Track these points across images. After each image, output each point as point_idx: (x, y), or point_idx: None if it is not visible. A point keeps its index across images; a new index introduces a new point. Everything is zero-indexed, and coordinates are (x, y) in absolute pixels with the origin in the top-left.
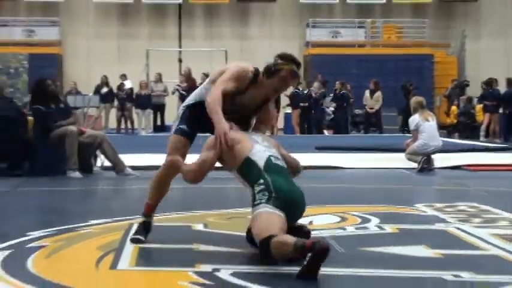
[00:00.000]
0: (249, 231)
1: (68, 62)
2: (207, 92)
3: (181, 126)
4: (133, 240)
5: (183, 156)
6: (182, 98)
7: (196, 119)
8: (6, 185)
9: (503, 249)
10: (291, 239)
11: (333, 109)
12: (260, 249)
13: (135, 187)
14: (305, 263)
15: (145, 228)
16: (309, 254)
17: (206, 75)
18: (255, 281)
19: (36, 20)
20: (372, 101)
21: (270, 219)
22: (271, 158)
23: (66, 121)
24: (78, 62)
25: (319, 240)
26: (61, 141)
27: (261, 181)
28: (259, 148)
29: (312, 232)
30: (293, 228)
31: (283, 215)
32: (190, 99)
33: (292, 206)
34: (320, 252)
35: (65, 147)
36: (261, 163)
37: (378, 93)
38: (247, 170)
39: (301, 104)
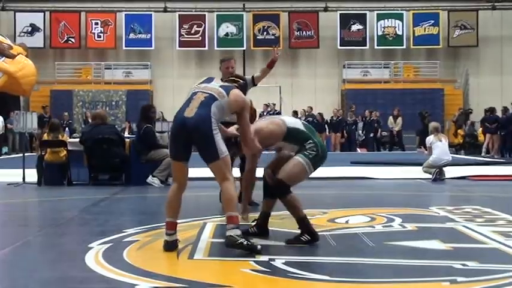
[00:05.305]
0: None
1: (157, 96)
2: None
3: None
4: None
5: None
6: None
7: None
8: (107, 192)
9: (502, 243)
10: (301, 208)
11: (363, 131)
12: (276, 186)
13: (204, 194)
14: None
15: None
16: (304, 234)
17: (266, 105)
18: (303, 268)
19: (133, 64)
20: (395, 124)
21: (301, 175)
22: (302, 121)
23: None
24: (165, 96)
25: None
26: (160, 158)
27: (310, 141)
28: (289, 118)
29: (348, 229)
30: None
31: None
32: None
33: (324, 159)
34: (312, 239)
35: (162, 163)
36: (301, 127)
37: (400, 119)
38: (293, 136)
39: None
